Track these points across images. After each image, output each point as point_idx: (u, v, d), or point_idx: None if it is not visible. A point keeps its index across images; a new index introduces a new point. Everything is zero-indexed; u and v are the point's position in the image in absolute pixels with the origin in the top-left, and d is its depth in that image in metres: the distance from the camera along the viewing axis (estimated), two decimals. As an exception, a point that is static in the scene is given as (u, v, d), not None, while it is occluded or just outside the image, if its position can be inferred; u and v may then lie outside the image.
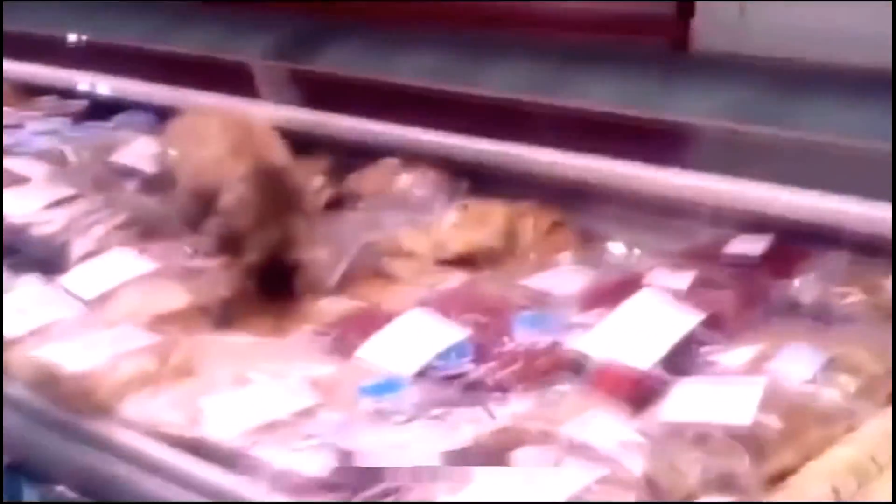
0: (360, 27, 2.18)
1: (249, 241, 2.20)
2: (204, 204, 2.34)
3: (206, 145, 2.42)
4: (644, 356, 1.84)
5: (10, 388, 2.04)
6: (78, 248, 2.34)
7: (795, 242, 2.18)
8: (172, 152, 2.57)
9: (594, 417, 1.67)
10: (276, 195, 2.24)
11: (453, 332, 1.99)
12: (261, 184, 2.25)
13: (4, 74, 3.50)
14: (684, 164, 2.37)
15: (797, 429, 1.66)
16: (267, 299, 2.19)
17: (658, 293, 1.98)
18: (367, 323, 2.07)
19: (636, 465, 1.58)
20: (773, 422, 1.65)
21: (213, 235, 2.30)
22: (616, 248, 2.35)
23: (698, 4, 2.54)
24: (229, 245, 2.27)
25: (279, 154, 2.40)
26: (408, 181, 2.63)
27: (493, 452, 1.65)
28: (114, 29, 2.55)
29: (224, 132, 2.42)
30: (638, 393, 1.78)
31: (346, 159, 2.64)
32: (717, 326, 1.92)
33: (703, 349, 1.88)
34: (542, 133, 2.51)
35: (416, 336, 2.00)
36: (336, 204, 2.63)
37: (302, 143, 2.55)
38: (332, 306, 2.19)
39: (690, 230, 2.35)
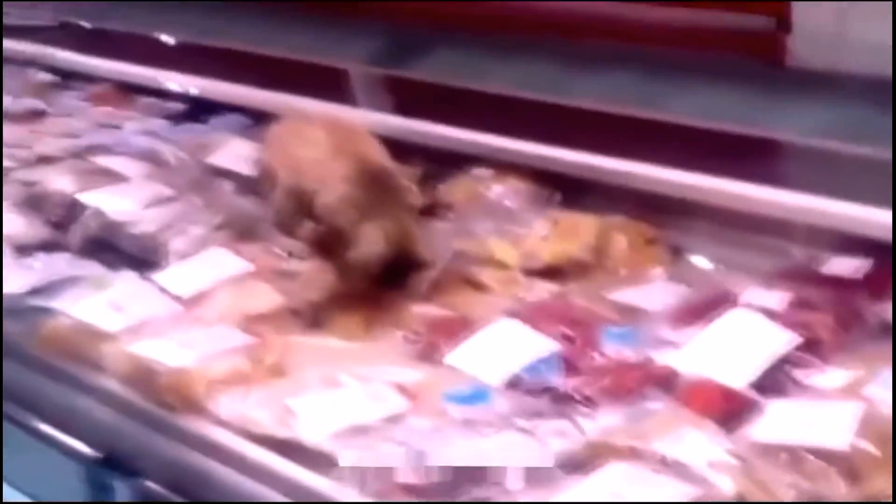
0: (461, 34, 2.19)
1: (352, 239, 2.20)
2: (302, 204, 2.36)
3: (308, 146, 2.45)
4: (737, 375, 1.82)
5: (104, 382, 2.09)
6: (175, 247, 2.38)
7: (894, 264, 2.14)
8: (272, 153, 2.59)
9: (686, 435, 1.66)
10: (379, 194, 2.24)
11: (542, 344, 1.99)
12: (364, 182, 2.26)
13: (106, 74, 3.59)
14: (780, 181, 2.35)
15: (892, 455, 1.64)
16: (360, 297, 2.19)
17: (752, 312, 1.96)
18: (456, 331, 2.07)
19: (728, 486, 1.56)
20: (869, 447, 1.63)
21: (309, 237, 2.31)
22: (709, 265, 2.33)
23: (795, 20, 2.51)
24: (325, 246, 2.28)
25: (381, 156, 2.42)
26: (499, 191, 2.63)
27: (582, 466, 1.65)
28: (214, 31, 2.59)
29: (326, 134, 2.45)
30: (730, 412, 1.76)
31: (438, 168, 2.65)
32: (812, 348, 1.89)
33: (798, 371, 1.86)
34: (635, 146, 2.50)
35: (504, 346, 2.00)
36: (427, 212, 2.64)
37: (394, 150, 2.57)
38: (420, 312, 2.20)
39: (785, 249, 2.32)
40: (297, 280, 2.29)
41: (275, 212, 2.50)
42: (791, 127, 2.32)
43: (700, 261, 2.38)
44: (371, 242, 2.19)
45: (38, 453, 2.14)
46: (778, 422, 1.71)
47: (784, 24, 2.52)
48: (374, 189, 2.26)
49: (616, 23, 2.58)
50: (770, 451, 1.65)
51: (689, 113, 2.40)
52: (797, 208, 2.29)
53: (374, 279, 2.21)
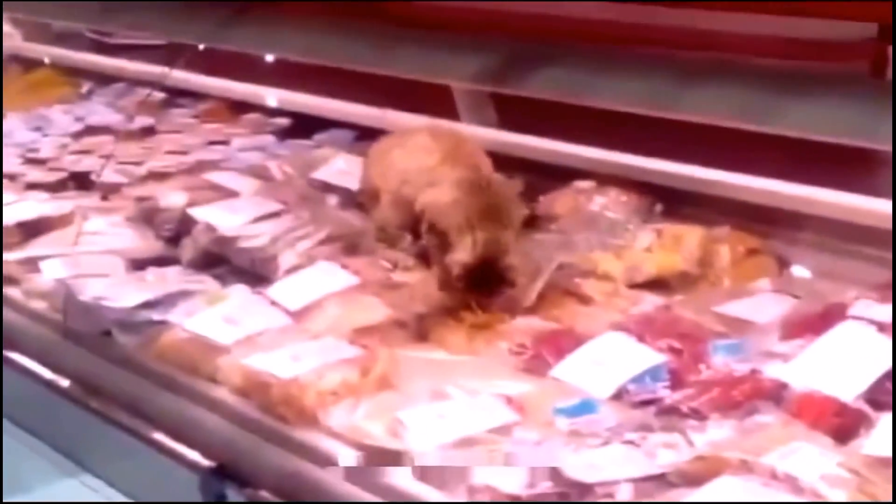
0: (567, 49, 2.21)
1: (458, 244, 2.22)
2: (407, 214, 2.39)
3: (414, 154, 2.47)
4: (847, 388, 1.81)
5: (218, 393, 2.14)
6: (284, 260, 2.43)
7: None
8: (376, 168, 2.63)
9: (797, 448, 1.65)
10: (485, 203, 2.26)
11: (649, 356, 2.00)
12: (472, 190, 2.28)
13: (215, 91, 3.67)
14: (887, 192, 2.31)
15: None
16: (465, 309, 2.22)
17: (862, 324, 1.94)
18: (562, 343, 2.09)
19: (841, 499, 1.55)
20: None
21: (415, 245, 2.33)
22: (815, 277, 2.31)
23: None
24: (431, 254, 2.30)
25: (487, 165, 2.44)
26: (601, 203, 2.64)
27: (693, 480, 1.65)
28: (322, 49, 2.64)
29: (433, 141, 2.47)
30: (842, 425, 1.75)
31: (541, 180, 2.67)
32: (924, 361, 1.87)
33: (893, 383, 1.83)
34: (738, 157, 2.49)
35: (610, 358, 2.01)
36: (529, 225, 2.65)
37: (497, 164, 2.59)
38: (526, 325, 2.22)
39: (891, 261, 2.29)
40: (402, 292, 2.33)
41: (378, 225, 2.54)
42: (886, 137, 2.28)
43: (806, 272, 2.36)
44: (466, 249, 2.22)
45: (153, 462, 2.20)
46: (890, 435, 1.70)
47: (888, 33, 2.48)
48: (481, 197, 2.28)
49: (718, 36, 2.58)
50: (883, 465, 1.63)
51: (790, 125, 2.38)
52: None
53: (469, 288, 2.23)
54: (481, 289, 2.23)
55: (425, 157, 2.45)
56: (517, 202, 2.33)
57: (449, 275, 2.23)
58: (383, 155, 2.63)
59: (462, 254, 2.22)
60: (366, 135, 2.92)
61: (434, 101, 2.72)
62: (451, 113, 2.82)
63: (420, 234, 2.35)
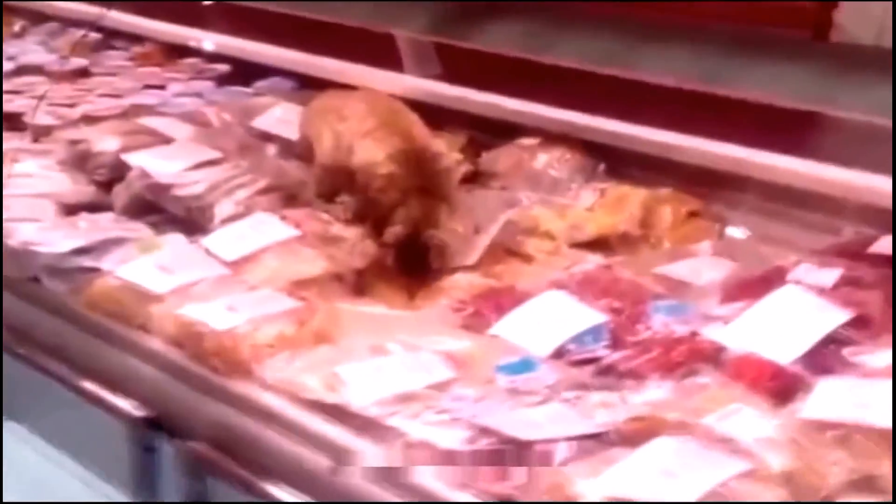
0: (520, 5, 2.17)
1: (392, 217, 2.23)
2: (343, 179, 2.37)
3: (349, 120, 2.44)
4: (785, 351, 1.82)
5: (152, 344, 2.10)
6: (221, 210, 2.39)
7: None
8: (313, 126, 2.59)
9: (735, 410, 1.65)
10: (421, 174, 2.26)
11: (589, 316, 1.99)
12: (406, 162, 2.27)
13: (152, 34, 3.59)
14: (830, 157, 2.32)
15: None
16: (403, 272, 2.21)
17: (802, 289, 1.95)
18: (502, 301, 2.07)
19: (776, 462, 1.56)
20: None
21: (352, 209, 2.32)
22: (756, 241, 2.32)
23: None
24: (368, 218, 2.29)
25: (422, 132, 2.42)
26: (545, 161, 2.62)
27: (630, 439, 1.64)
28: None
29: (368, 108, 2.44)
30: (778, 388, 1.75)
31: (484, 136, 2.65)
32: (862, 326, 1.88)
33: (847, 349, 1.84)
34: (684, 119, 2.48)
35: (551, 317, 2.00)
36: (471, 180, 2.63)
37: (440, 118, 2.56)
38: (466, 282, 2.20)
39: (833, 226, 2.31)
40: (341, 246, 2.30)
41: (315, 183, 2.50)
42: (838, 102, 2.29)
43: (747, 236, 2.36)
44: (396, 225, 2.22)
45: (84, 413, 2.16)
46: (826, 399, 1.70)
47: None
48: (415, 170, 2.27)
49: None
50: (818, 429, 1.64)
51: (737, 87, 2.37)
52: (846, 184, 2.27)
53: (404, 255, 2.22)
54: (416, 255, 2.22)
55: (359, 122, 2.41)
56: (452, 172, 2.32)
57: (383, 243, 2.22)
58: (318, 116, 2.57)
59: (395, 227, 2.21)
60: (307, 83, 2.87)
61: (379, 50, 2.67)
62: (395, 63, 2.78)
63: (354, 193, 2.33)
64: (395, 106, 2.50)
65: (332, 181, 2.45)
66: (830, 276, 2.01)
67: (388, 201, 2.25)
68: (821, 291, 1.95)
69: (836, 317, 1.88)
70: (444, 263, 2.23)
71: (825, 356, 1.82)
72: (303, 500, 1.77)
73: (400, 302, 2.18)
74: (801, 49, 2.43)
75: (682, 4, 2.51)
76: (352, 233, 2.34)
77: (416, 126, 2.43)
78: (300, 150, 2.65)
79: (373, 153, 2.32)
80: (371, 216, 2.29)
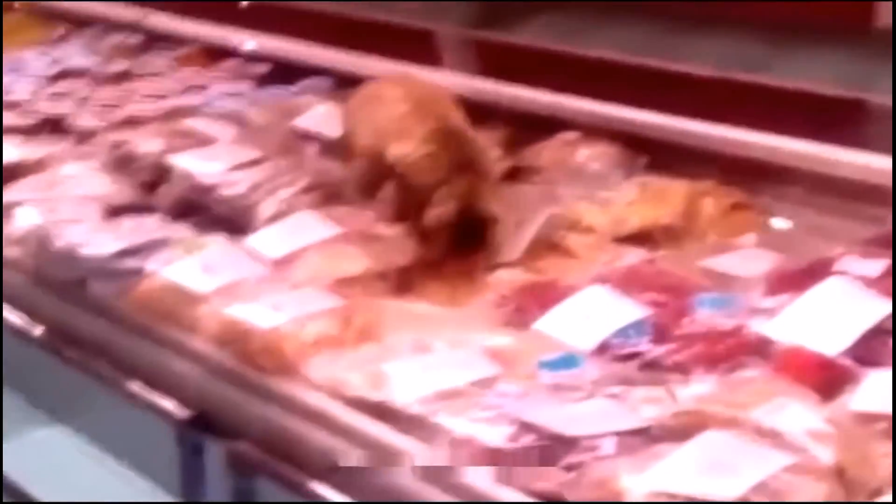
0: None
1: (432, 198, 2.19)
2: (383, 166, 2.36)
3: (386, 106, 2.43)
4: (832, 343, 1.80)
5: (196, 343, 2.11)
6: (264, 209, 2.40)
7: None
8: (352, 119, 2.60)
9: (783, 404, 1.64)
10: (458, 155, 2.23)
11: (632, 310, 1.97)
12: (444, 142, 2.25)
13: (193, 36, 3.61)
14: (874, 146, 2.29)
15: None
16: (447, 261, 2.19)
17: (848, 280, 1.93)
18: (545, 296, 2.06)
19: (826, 455, 1.54)
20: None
21: (392, 198, 2.31)
22: (800, 232, 2.29)
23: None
24: (408, 207, 2.28)
25: (459, 117, 2.40)
26: (587, 155, 2.61)
27: (677, 434, 1.63)
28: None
29: (405, 93, 2.43)
30: (826, 380, 1.73)
31: (526, 131, 2.64)
32: (910, 317, 1.86)
33: (893, 339, 1.82)
34: (727, 110, 2.46)
35: (594, 312, 1.99)
36: (513, 176, 2.63)
37: (482, 113, 2.55)
38: (509, 277, 2.19)
39: (879, 216, 2.27)
40: (383, 244, 2.30)
41: (355, 177, 2.50)
42: (883, 89, 2.26)
43: (791, 227, 2.34)
44: (441, 203, 2.19)
45: (129, 413, 2.17)
46: (875, 391, 1.69)
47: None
48: (453, 148, 2.24)
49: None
50: (868, 421, 1.62)
51: (780, 76, 2.35)
52: (890, 173, 2.23)
53: (449, 241, 2.20)
54: (462, 242, 2.20)
55: (395, 107, 2.40)
56: (490, 151, 2.29)
57: (425, 230, 2.21)
58: (356, 107, 2.59)
59: (439, 208, 2.19)
60: (347, 82, 2.87)
61: (418, 47, 2.67)
62: (434, 60, 2.78)
63: (393, 179, 2.31)
64: (431, 87, 2.48)
65: (371, 170, 2.44)
66: (876, 266, 1.98)
67: (424, 184, 2.21)
68: (867, 282, 1.93)
69: (882, 307, 1.85)
70: (489, 253, 2.21)
71: (872, 347, 1.80)
72: (349, 499, 1.77)
73: (443, 298, 2.17)
74: (846, 37, 2.40)
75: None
76: (394, 230, 2.34)
77: (451, 106, 2.41)
78: (342, 146, 2.65)
79: (407, 135, 2.30)
80: (407, 204, 2.26)
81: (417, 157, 2.24)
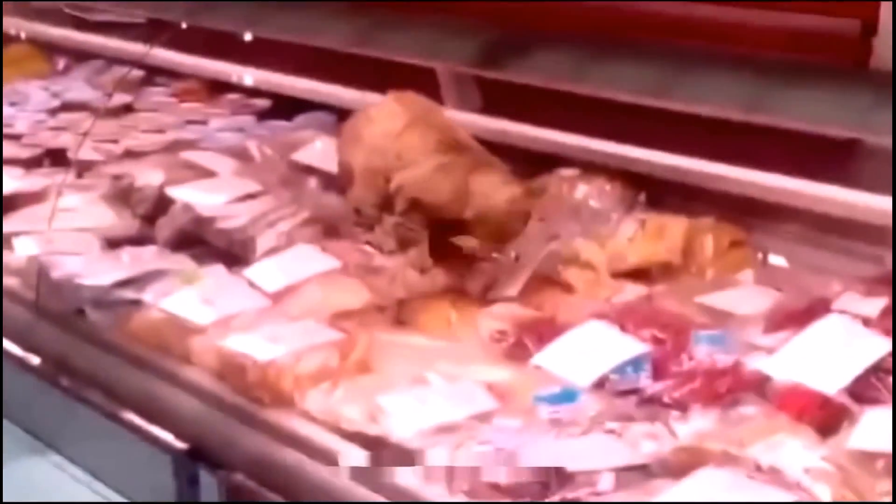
0: (557, 36, 2.18)
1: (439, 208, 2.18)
2: (383, 187, 2.34)
3: (381, 123, 2.42)
4: (831, 381, 1.79)
5: (193, 375, 2.11)
6: (263, 242, 2.40)
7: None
8: (346, 146, 2.58)
9: (781, 441, 1.63)
10: (472, 157, 2.20)
11: (631, 346, 1.98)
12: (452, 149, 2.22)
13: (193, 70, 3.63)
14: (872, 186, 2.30)
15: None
16: (451, 296, 2.18)
17: (847, 319, 1.93)
18: (543, 331, 2.07)
19: (825, 494, 1.54)
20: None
21: (394, 226, 2.29)
22: (799, 270, 2.30)
23: (882, 22, 2.46)
24: (413, 233, 2.26)
25: (456, 128, 2.38)
26: (585, 192, 2.61)
27: (676, 471, 1.63)
28: (305, 29, 2.60)
29: (399, 108, 2.40)
30: (824, 418, 1.73)
31: (525, 168, 2.64)
32: (909, 356, 1.86)
33: (892, 378, 1.82)
34: (726, 148, 2.47)
35: (592, 347, 1.99)
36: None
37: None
38: (507, 311, 2.20)
39: (877, 255, 2.28)
40: (382, 276, 2.30)
41: (355, 205, 2.49)
42: (880, 129, 2.27)
43: (790, 265, 2.34)
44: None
45: (125, 444, 2.16)
46: (874, 429, 1.68)
47: (869, 28, 2.48)
48: (465, 153, 2.21)
49: (708, 25, 2.56)
50: (867, 459, 1.62)
51: (778, 116, 2.36)
52: (888, 213, 2.24)
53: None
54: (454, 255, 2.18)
55: (391, 122, 2.39)
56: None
57: (431, 252, 2.18)
58: (351, 129, 2.58)
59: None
60: (347, 117, 2.87)
61: (418, 84, 2.68)
62: (434, 97, 2.79)
63: (395, 207, 2.30)
64: (426, 103, 2.46)
65: (372, 191, 2.41)
66: (875, 305, 1.98)
67: (445, 196, 2.18)
68: (866, 321, 1.93)
69: (881, 346, 1.85)
70: (487, 285, 2.20)
71: (871, 386, 1.80)
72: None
73: (441, 332, 2.17)
74: (842, 77, 2.41)
75: (721, 34, 2.51)
76: (394, 262, 2.35)
77: (448, 120, 2.38)
78: (340, 177, 2.65)
79: (407, 151, 2.26)
80: (418, 224, 2.24)
81: (428, 174, 2.22)
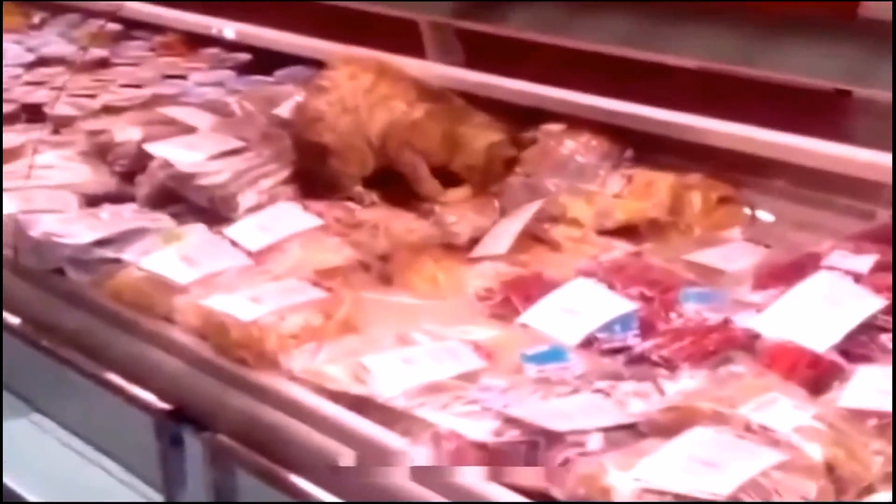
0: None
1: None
2: (362, 142, 2.30)
3: (348, 84, 2.38)
4: (821, 339, 1.78)
5: (176, 335, 2.08)
6: (245, 199, 2.36)
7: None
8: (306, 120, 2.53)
9: (771, 400, 1.61)
10: (455, 105, 2.18)
11: (618, 304, 1.95)
12: (434, 98, 2.19)
13: (172, 24, 3.57)
14: (863, 140, 2.28)
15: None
16: (436, 252, 2.15)
17: (838, 275, 1.91)
18: (530, 289, 2.04)
19: (816, 453, 1.52)
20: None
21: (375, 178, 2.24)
22: (788, 226, 2.28)
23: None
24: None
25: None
26: (571, 147, 2.58)
27: (665, 430, 1.61)
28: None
29: (360, 69, 2.37)
30: (814, 377, 1.72)
31: (510, 123, 2.60)
32: (898, 312, 1.84)
33: (884, 335, 1.80)
34: (712, 102, 2.44)
35: (580, 305, 1.97)
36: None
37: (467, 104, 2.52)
38: (493, 270, 2.17)
39: (867, 210, 2.26)
40: (366, 230, 2.27)
41: (334, 179, 2.44)
42: (872, 81, 2.24)
43: (779, 221, 2.32)
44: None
45: (110, 405, 2.14)
46: (865, 387, 1.67)
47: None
48: (448, 102, 2.19)
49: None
50: (858, 417, 1.61)
51: (766, 68, 2.33)
52: (879, 167, 2.22)
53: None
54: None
55: (358, 81, 2.35)
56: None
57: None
58: (317, 94, 2.51)
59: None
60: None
61: (401, 37, 2.64)
62: (418, 50, 2.75)
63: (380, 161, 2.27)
64: (385, 62, 2.43)
65: (352, 150, 2.38)
66: (865, 261, 1.96)
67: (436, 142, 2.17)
68: (856, 277, 1.91)
69: (872, 303, 1.84)
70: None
71: (862, 343, 1.78)
72: (328, 494, 1.74)
73: (427, 290, 2.14)
74: (833, 28, 2.38)
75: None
76: (378, 215, 2.31)
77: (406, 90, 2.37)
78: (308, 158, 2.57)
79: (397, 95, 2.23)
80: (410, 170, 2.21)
81: (415, 120, 2.18)
